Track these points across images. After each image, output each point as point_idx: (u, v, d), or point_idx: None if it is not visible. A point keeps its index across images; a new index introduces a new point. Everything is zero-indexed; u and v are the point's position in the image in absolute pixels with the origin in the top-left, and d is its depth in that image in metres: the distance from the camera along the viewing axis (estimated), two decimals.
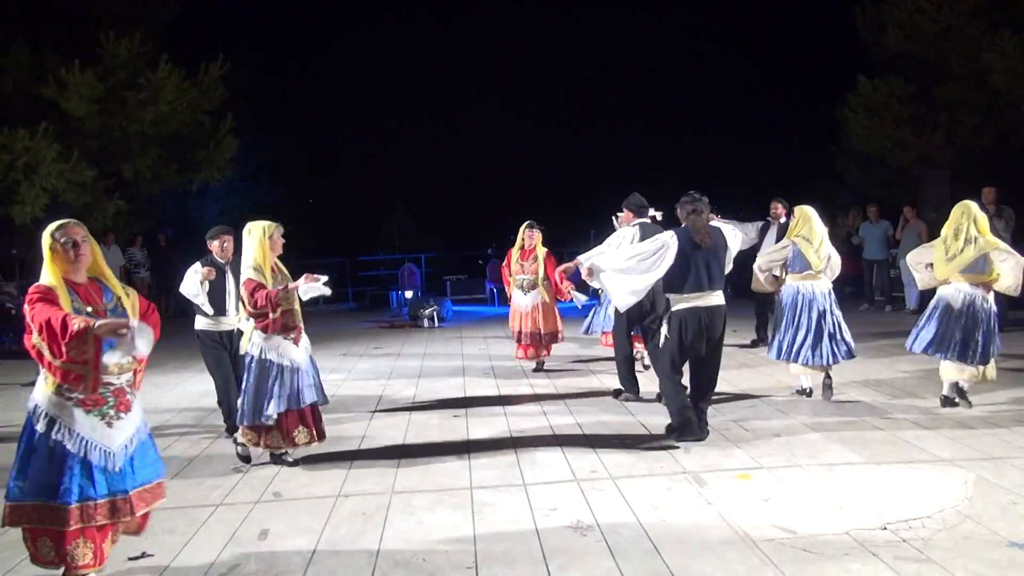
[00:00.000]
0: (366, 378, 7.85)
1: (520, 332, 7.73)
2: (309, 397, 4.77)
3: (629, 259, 5.04)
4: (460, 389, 7.16)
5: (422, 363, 8.73)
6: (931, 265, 5.85)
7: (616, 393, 6.45)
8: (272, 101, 19.39)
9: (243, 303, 4.79)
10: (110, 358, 3.09)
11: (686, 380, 5.14)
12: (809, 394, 6.22)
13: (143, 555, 3.56)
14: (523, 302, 7.70)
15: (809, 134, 16.59)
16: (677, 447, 4.89)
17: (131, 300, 3.36)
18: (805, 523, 3.62)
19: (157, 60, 11.89)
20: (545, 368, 7.81)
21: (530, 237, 7.70)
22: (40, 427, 3.09)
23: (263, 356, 4.70)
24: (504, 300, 9.36)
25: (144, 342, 2.99)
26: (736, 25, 21.71)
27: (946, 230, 5.72)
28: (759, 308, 8.81)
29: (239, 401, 4.87)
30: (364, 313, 15.44)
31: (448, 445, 5.21)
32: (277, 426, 4.71)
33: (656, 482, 4.29)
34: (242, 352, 4.94)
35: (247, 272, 4.72)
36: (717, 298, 4.96)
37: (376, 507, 4.06)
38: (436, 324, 12.49)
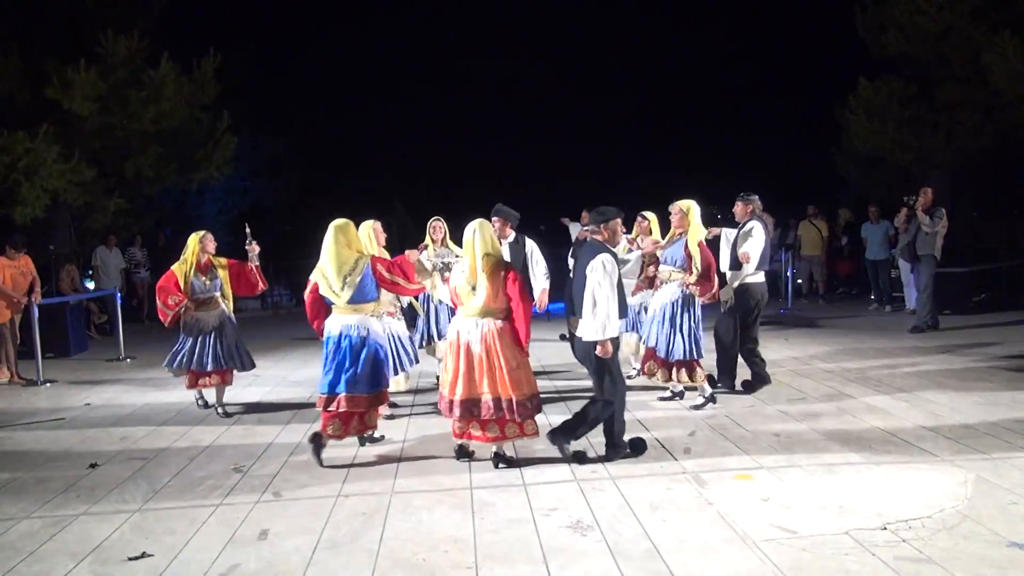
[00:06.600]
0: None
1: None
2: None
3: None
4: None
5: (422, 363, 8.70)
6: None
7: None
8: (271, 100, 19.38)
9: None
10: None
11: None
12: None
13: (143, 555, 3.56)
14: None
15: (809, 134, 16.59)
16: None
17: None
18: (805, 523, 3.62)
19: (157, 57, 11.89)
20: (546, 369, 7.73)
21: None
22: None
23: None
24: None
25: None
26: (736, 25, 21.71)
27: None
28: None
29: None
30: None
31: (448, 445, 5.20)
32: None
33: (656, 482, 4.29)
34: None
35: None
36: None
37: (376, 507, 4.06)
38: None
